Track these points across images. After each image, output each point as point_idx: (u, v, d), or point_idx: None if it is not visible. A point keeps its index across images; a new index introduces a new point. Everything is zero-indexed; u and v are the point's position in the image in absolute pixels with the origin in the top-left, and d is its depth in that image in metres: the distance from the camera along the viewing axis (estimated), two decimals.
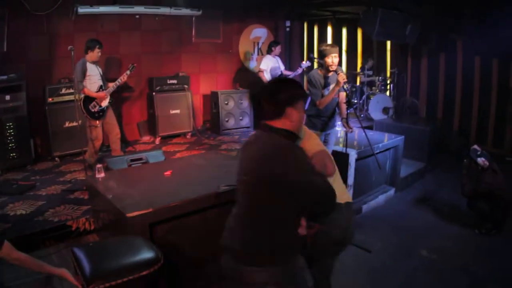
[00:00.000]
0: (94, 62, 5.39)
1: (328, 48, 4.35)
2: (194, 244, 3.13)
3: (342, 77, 4.20)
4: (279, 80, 2.52)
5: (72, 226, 3.95)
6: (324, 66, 4.40)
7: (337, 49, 4.39)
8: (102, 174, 3.75)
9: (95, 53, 5.32)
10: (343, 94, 4.59)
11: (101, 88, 5.43)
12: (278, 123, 2.08)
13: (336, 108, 4.67)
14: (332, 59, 4.32)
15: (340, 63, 9.57)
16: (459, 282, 3.64)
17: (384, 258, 4.01)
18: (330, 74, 4.42)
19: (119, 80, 5.52)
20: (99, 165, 3.80)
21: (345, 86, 4.28)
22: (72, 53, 4.64)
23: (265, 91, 2.17)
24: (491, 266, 3.87)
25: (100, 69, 5.50)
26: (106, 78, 5.66)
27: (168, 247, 2.99)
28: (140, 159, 4.39)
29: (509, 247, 4.25)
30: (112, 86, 5.50)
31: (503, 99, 7.50)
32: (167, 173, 3.66)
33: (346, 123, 4.55)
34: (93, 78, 5.38)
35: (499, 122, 7.64)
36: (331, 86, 4.39)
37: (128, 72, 5.56)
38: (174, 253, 3.01)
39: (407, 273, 3.76)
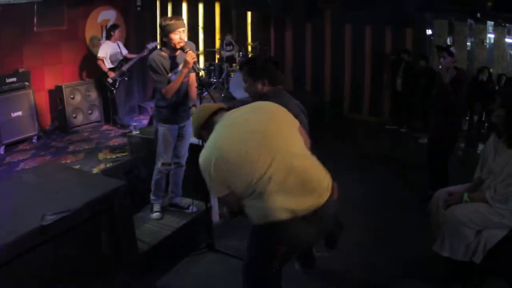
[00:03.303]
0: None
1: (173, 22, 3.51)
2: None
3: (191, 56, 3.54)
4: None
5: None
6: (169, 45, 3.66)
7: (183, 21, 3.68)
8: None
9: None
10: (193, 76, 3.87)
11: None
12: None
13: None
14: (180, 35, 3.59)
15: (197, 42, 9.28)
16: None
17: None
18: (177, 53, 3.72)
19: None
20: None
21: (196, 66, 3.65)
22: None
23: None
24: None
25: None
26: None
27: None
28: None
29: None
30: None
31: (377, 67, 7.49)
32: None
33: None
34: None
35: (376, 90, 7.58)
36: (180, 68, 3.71)
37: None
38: None
39: None
